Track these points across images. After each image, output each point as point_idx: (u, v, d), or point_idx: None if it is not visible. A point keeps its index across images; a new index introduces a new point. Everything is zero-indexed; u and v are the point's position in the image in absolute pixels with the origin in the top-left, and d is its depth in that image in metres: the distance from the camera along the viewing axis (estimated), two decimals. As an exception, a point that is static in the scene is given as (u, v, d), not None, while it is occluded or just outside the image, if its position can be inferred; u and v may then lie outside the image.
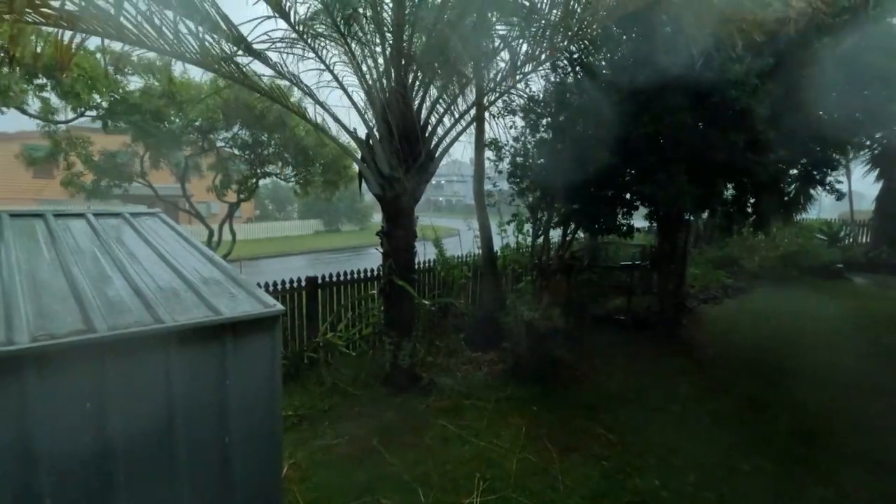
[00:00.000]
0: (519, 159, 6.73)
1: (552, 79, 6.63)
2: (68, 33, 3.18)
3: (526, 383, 5.79)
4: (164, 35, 3.70)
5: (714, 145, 5.50)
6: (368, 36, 5.15)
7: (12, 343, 1.73)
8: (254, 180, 11.35)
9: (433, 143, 5.65)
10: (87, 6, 3.13)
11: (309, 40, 5.06)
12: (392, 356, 5.70)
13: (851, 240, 14.85)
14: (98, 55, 7.98)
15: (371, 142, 5.43)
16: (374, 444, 4.53)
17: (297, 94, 6.98)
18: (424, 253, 6.90)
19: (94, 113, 8.83)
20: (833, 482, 4.03)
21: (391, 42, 5.06)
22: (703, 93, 5.36)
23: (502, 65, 5.34)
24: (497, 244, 7.73)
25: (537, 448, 4.50)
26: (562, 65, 6.44)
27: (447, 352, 6.84)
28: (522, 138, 6.71)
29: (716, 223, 9.43)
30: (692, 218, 7.83)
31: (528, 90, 6.61)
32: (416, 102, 5.47)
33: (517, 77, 5.39)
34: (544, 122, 6.57)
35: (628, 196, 6.71)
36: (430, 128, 5.62)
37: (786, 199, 6.75)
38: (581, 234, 7.15)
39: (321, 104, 5.31)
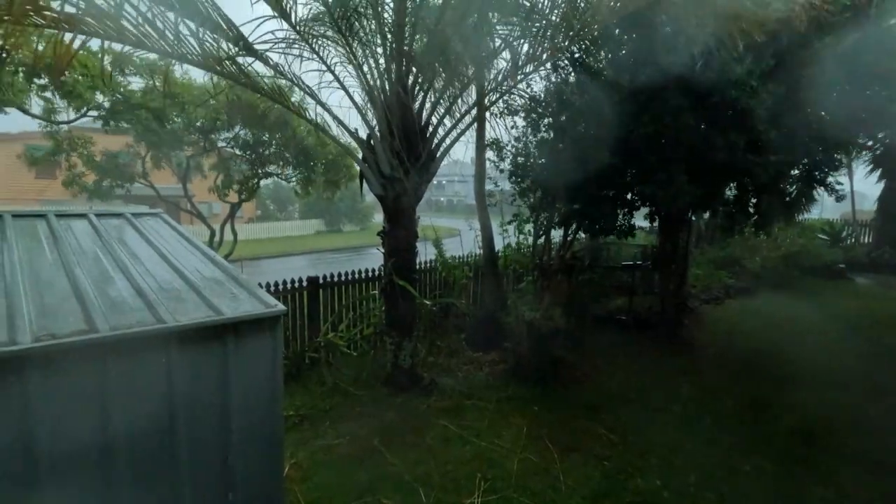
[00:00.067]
0: (520, 159, 6.72)
1: (553, 79, 6.63)
2: (69, 34, 3.20)
3: (527, 383, 5.79)
4: (165, 36, 3.71)
5: (715, 145, 5.49)
6: (369, 36, 5.16)
7: (15, 343, 1.74)
8: (255, 180, 11.37)
9: (434, 143, 5.66)
10: (88, 8, 3.14)
11: (310, 41, 5.06)
12: (393, 356, 5.70)
13: (853, 240, 14.81)
14: (100, 55, 8.01)
15: (372, 142, 5.43)
16: (375, 444, 4.54)
17: (298, 94, 6.99)
18: (425, 253, 6.91)
19: (95, 113, 8.86)
20: (833, 482, 4.03)
21: (392, 43, 5.06)
22: (703, 93, 5.35)
23: (503, 65, 5.35)
24: (498, 244, 7.73)
25: (538, 448, 4.50)
26: (563, 65, 6.44)
27: (448, 352, 6.84)
28: (524, 138, 6.71)
29: (717, 223, 9.41)
30: (694, 218, 7.82)
31: (529, 90, 6.62)
32: (418, 103, 5.47)
33: (518, 77, 5.40)
34: (545, 122, 6.56)
35: (629, 196, 6.71)
36: (431, 128, 5.63)
37: (787, 199, 6.72)
38: (582, 235, 7.13)
39: (322, 104, 5.32)
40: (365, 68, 5.26)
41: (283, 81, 5.53)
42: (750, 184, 6.32)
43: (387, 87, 5.32)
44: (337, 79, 5.41)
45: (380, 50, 5.19)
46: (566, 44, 4.90)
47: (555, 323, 5.87)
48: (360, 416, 5.10)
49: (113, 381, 1.94)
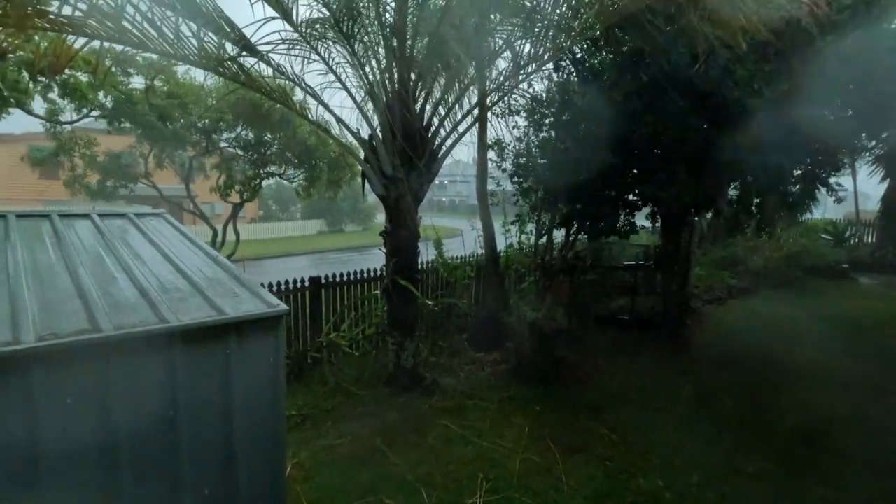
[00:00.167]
0: (521, 160, 6.72)
1: (555, 78, 6.63)
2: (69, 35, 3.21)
3: (529, 383, 5.79)
4: (167, 37, 3.72)
5: (716, 145, 5.48)
6: (371, 37, 5.16)
7: (19, 342, 1.75)
8: (257, 181, 11.40)
9: (436, 143, 5.66)
10: (90, 11, 3.15)
11: (312, 41, 5.07)
12: (395, 356, 5.71)
13: (857, 240, 14.76)
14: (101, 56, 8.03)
15: (374, 142, 5.44)
16: (377, 443, 4.54)
17: (300, 93, 7.01)
18: (427, 253, 6.91)
19: (97, 113, 8.89)
20: (834, 482, 4.01)
21: (394, 43, 5.07)
22: (705, 93, 5.35)
23: (505, 65, 5.35)
24: (501, 244, 7.73)
25: (540, 448, 4.50)
26: (564, 65, 6.43)
27: (450, 352, 6.83)
28: (525, 138, 6.71)
29: (720, 223, 9.40)
30: (696, 218, 7.81)
31: (531, 90, 6.62)
32: (419, 103, 5.47)
33: (520, 77, 5.39)
34: (547, 121, 6.56)
35: (630, 196, 6.70)
36: (432, 128, 5.63)
37: (790, 199, 6.70)
38: (582, 236, 7.12)
39: (324, 104, 5.32)
40: (367, 69, 5.27)
41: (286, 81, 5.54)
42: (753, 184, 6.31)
43: (388, 88, 5.32)
44: (339, 79, 5.42)
45: (381, 50, 5.20)
46: (568, 44, 4.90)
47: (557, 323, 5.87)
48: (362, 415, 5.11)
49: (116, 381, 1.95)
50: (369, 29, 5.08)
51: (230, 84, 6.18)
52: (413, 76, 5.29)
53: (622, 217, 6.72)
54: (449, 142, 5.73)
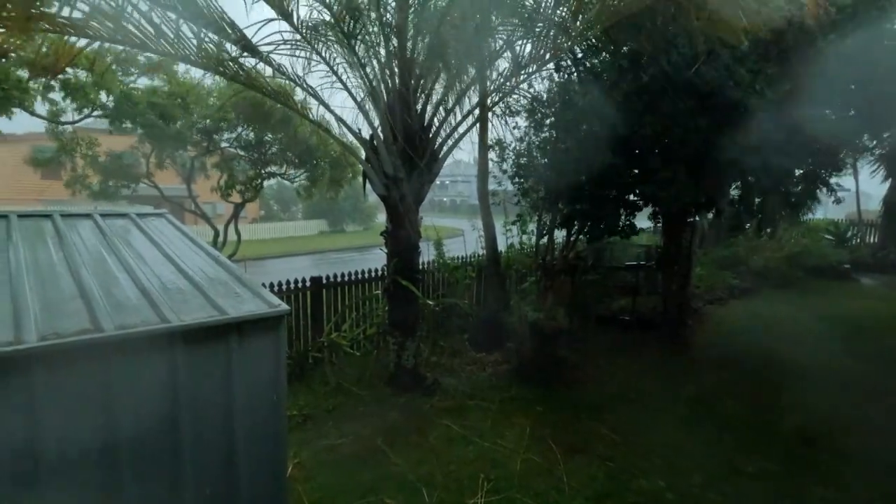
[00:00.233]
0: (522, 160, 6.72)
1: (556, 79, 6.62)
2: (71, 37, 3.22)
3: (530, 384, 5.79)
4: (167, 37, 3.73)
5: (717, 146, 5.48)
6: (372, 37, 5.17)
7: (21, 342, 1.75)
8: (258, 181, 11.41)
9: (437, 143, 5.66)
10: (93, 13, 3.16)
11: (312, 42, 5.08)
12: (396, 356, 5.71)
13: (859, 240, 14.73)
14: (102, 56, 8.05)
15: (375, 142, 5.44)
16: (378, 443, 4.54)
17: (300, 94, 7.02)
18: (429, 253, 6.91)
19: (99, 113, 8.91)
20: (834, 483, 4.01)
21: (395, 44, 5.07)
22: (706, 93, 5.34)
23: (506, 65, 5.35)
24: (502, 244, 7.73)
25: (541, 448, 4.50)
26: (565, 65, 6.43)
27: (451, 352, 6.83)
28: (526, 138, 6.70)
29: (721, 224, 9.38)
30: (697, 218, 7.80)
31: (531, 90, 6.62)
32: (420, 103, 5.48)
33: (521, 77, 5.39)
34: (547, 122, 6.55)
35: (631, 196, 6.69)
36: (433, 128, 5.63)
37: (792, 199, 6.70)
38: (583, 237, 7.12)
39: (325, 105, 5.33)
40: (367, 69, 5.27)
41: (287, 81, 5.55)
42: (754, 184, 6.30)
43: (389, 88, 5.33)
44: (339, 79, 5.42)
45: (382, 51, 5.20)
46: (568, 44, 4.90)
47: (558, 323, 5.88)
48: (363, 415, 5.11)
49: (117, 381, 1.95)
50: (370, 29, 5.09)
51: (233, 85, 6.19)
52: (414, 76, 5.29)
53: (623, 217, 6.71)
54: (450, 142, 5.74)
